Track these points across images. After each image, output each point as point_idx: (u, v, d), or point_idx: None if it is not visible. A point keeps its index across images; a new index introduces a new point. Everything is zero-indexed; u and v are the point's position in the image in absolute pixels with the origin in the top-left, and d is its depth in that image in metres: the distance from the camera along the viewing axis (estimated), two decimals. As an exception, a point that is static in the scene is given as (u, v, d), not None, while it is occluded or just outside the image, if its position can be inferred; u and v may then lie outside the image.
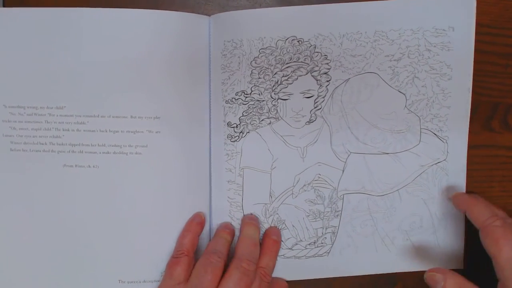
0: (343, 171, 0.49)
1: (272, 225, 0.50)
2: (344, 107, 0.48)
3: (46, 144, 0.48)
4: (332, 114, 0.48)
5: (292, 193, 0.50)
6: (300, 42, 0.47)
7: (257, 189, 0.50)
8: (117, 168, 0.48)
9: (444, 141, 0.49)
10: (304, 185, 0.50)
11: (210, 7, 0.51)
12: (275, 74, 0.48)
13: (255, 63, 0.48)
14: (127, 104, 0.47)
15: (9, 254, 0.49)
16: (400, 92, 0.48)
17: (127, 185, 0.48)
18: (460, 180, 0.50)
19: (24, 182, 0.48)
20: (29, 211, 0.48)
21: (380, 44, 0.47)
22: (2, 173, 0.48)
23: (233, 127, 0.49)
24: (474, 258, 0.52)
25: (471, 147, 0.51)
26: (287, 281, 0.51)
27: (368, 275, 0.52)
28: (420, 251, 0.51)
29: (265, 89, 0.48)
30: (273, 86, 0.48)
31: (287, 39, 0.47)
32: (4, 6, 0.49)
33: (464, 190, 0.50)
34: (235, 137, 0.49)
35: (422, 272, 0.44)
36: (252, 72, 0.48)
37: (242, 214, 0.50)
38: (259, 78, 0.48)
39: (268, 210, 0.50)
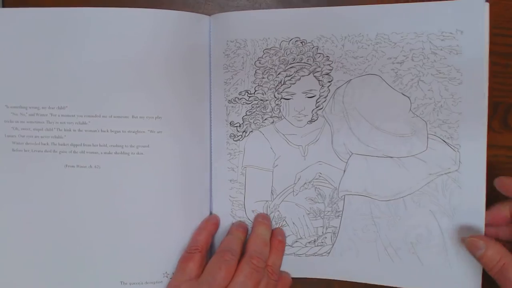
0: (344, 171, 0.49)
1: (273, 222, 0.51)
2: (345, 108, 0.48)
3: (47, 144, 0.48)
4: (333, 114, 0.49)
5: (293, 191, 0.50)
6: (303, 43, 0.47)
7: (259, 187, 0.50)
8: (118, 168, 0.48)
9: (456, 149, 0.47)
10: (305, 183, 0.50)
11: (210, 6, 0.51)
12: (278, 74, 0.48)
13: (259, 63, 0.48)
14: (128, 104, 0.47)
15: (10, 254, 0.49)
16: (404, 95, 0.47)
17: (129, 185, 0.48)
18: (477, 196, 0.46)
19: (26, 182, 0.48)
20: (30, 211, 0.48)
21: (382, 46, 0.47)
22: (4, 173, 0.48)
23: (236, 126, 0.49)
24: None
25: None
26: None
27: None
28: (427, 269, 0.48)
29: (268, 89, 0.48)
30: (277, 86, 0.48)
31: (290, 40, 0.47)
32: (3, 6, 0.49)
33: (483, 208, 0.46)
34: (238, 136, 0.49)
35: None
36: (256, 72, 0.48)
37: (244, 213, 0.50)
38: (263, 78, 0.48)
39: (269, 207, 0.51)
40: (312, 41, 0.47)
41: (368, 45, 0.47)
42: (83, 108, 0.47)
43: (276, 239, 0.49)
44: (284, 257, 0.51)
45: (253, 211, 0.51)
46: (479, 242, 0.43)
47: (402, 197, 0.48)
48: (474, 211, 0.46)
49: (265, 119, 0.49)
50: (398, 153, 0.48)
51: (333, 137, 0.49)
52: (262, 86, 0.48)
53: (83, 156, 0.47)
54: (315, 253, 0.51)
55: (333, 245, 0.50)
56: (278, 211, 0.50)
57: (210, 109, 0.50)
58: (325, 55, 0.47)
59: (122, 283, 0.49)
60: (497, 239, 0.44)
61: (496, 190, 0.46)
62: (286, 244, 0.51)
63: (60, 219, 0.48)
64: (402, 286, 0.49)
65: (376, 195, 0.49)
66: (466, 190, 0.47)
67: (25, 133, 0.48)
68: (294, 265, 0.51)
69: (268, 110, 0.49)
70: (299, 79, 0.48)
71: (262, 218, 0.49)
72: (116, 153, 0.47)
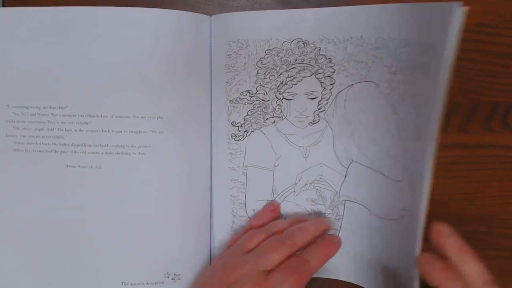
0: (345, 176, 0.49)
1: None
2: (347, 113, 0.48)
3: (49, 144, 0.47)
4: (335, 117, 0.48)
5: (294, 191, 0.50)
6: (305, 44, 0.47)
7: (260, 187, 0.50)
8: (120, 169, 0.48)
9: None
10: (306, 184, 0.50)
11: (210, 7, 0.51)
12: (280, 74, 0.48)
13: (261, 63, 0.48)
14: (129, 104, 0.47)
15: (11, 254, 0.49)
16: (395, 111, 0.44)
17: (130, 185, 0.48)
18: None
19: (27, 182, 0.48)
20: (31, 211, 0.48)
21: (381, 52, 0.45)
22: (5, 173, 0.48)
23: (238, 126, 0.49)
24: None
25: (471, 146, 0.51)
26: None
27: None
28: None
29: (270, 89, 0.48)
30: (278, 86, 0.48)
31: (292, 41, 0.47)
32: (3, 5, 0.49)
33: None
34: (239, 136, 0.49)
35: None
36: (258, 72, 0.48)
37: (245, 212, 0.51)
38: (265, 78, 0.48)
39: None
40: (314, 42, 0.47)
41: (369, 49, 0.45)
42: (84, 108, 0.47)
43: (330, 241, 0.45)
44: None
45: (254, 210, 0.51)
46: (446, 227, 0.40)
47: (394, 219, 0.46)
48: None
49: (266, 119, 0.49)
50: (395, 174, 0.45)
51: (335, 141, 0.49)
52: (263, 86, 0.48)
53: (84, 156, 0.47)
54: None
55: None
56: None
57: (212, 109, 0.50)
58: (327, 57, 0.47)
59: (123, 283, 0.49)
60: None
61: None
62: None
63: (61, 219, 0.48)
64: None
65: (373, 208, 0.48)
66: None
67: (26, 133, 0.47)
68: None
69: (269, 110, 0.49)
70: (301, 80, 0.48)
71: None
72: (117, 153, 0.47)
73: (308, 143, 0.49)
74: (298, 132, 0.49)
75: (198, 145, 0.49)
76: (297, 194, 0.50)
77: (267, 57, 0.47)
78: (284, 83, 0.48)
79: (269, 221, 0.48)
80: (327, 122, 0.49)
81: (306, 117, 0.49)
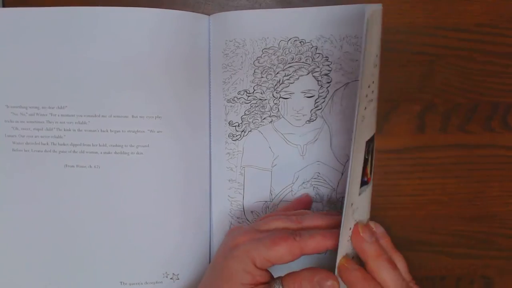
0: (342, 173, 0.49)
1: None
2: (344, 111, 0.48)
3: (47, 144, 0.48)
4: (332, 115, 0.48)
5: (291, 190, 0.50)
6: (302, 43, 0.47)
7: (258, 187, 0.50)
8: (118, 168, 0.48)
9: None
10: (303, 182, 0.50)
11: (210, 6, 0.51)
12: (277, 73, 0.48)
13: (258, 62, 0.48)
14: (128, 104, 0.47)
15: (9, 254, 0.49)
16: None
17: (128, 185, 0.48)
18: None
19: (26, 182, 0.48)
20: (30, 211, 0.48)
21: None
22: (4, 173, 0.48)
23: (235, 126, 0.49)
24: None
25: (471, 146, 0.51)
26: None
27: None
28: None
29: (267, 88, 0.48)
30: (275, 85, 0.48)
31: (289, 40, 0.47)
32: (4, 6, 0.49)
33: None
34: (236, 136, 0.49)
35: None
36: (255, 72, 0.48)
37: (243, 213, 0.50)
38: (262, 77, 0.48)
39: (268, 207, 0.51)
40: (311, 41, 0.47)
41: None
42: (83, 108, 0.47)
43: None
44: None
45: (252, 212, 0.50)
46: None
47: None
48: None
49: (263, 119, 0.49)
50: None
51: (332, 138, 0.49)
52: (261, 85, 0.48)
53: (83, 156, 0.48)
54: (313, 252, 0.51)
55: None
56: (273, 213, 0.50)
57: (209, 108, 0.50)
58: (324, 56, 0.47)
59: (122, 283, 0.49)
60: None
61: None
62: None
63: (60, 219, 0.48)
64: None
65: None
66: None
67: (25, 133, 0.48)
68: (292, 264, 0.51)
69: (266, 110, 0.49)
70: (298, 78, 0.48)
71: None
72: (115, 153, 0.47)
73: (305, 142, 0.49)
74: (295, 131, 0.49)
75: (196, 145, 0.49)
76: (295, 193, 0.50)
77: (264, 56, 0.48)
78: (281, 82, 0.48)
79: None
80: (324, 120, 0.49)
81: (303, 115, 0.49)
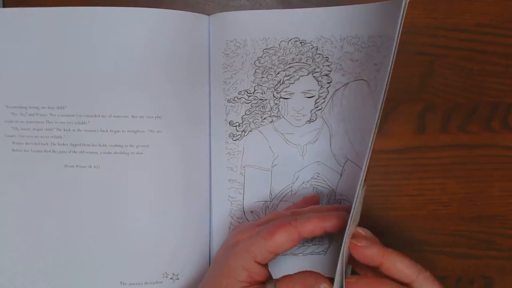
0: (340, 175, 0.49)
1: None
2: (343, 111, 0.48)
3: (47, 144, 0.48)
4: (332, 116, 0.48)
5: (291, 190, 0.50)
6: (302, 44, 0.47)
7: (258, 187, 0.50)
8: (118, 168, 0.47)
9: None
10: (303, 182, 0.50)
11: (210, 7, 0.51)
12: (277, 73, 0.48)
13: (259, 62, 0.48)
14: (128, 104, 0.47)
15: (9, 254, 0.49)
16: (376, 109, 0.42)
17: (128, 185, 0.48)
18: None
19: (26, 182, 0.48)
20: (30, 211, 0.48)
21: (371, 50, 0.46)
22: (4, 173, 0.48)
23: (236, 125, 0.49)
24: None
25: (471, 146, 0.51)
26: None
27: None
28: None
29: (267, 88, 0.48)
30: (276, 85, 0.48)
31: (290, 40, 0.47)
32: (4, 6, 0.49)
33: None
34: (237, 135, 0.49)
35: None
36: (255, 72, 0.48)
37: (243, 213, 0.50)
38: (262, 77, 0.48)
39: (268, 207, 0.51)
40: (311, 41, 0.47)
41: (363, 48, 0.47)
42: (82, 108, 0.47)
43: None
44: (282, 256, 0.50)
45: (252, 212, 0.50)
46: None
47: None
48: None
49: (264, 119, 0.49)
50: None
51: (331, 139, 0.49)
52: (261, 85, 0.48)
53: (83, 156, 0.47)
54: (312, 252, 0.51)
55: (330, 244, 0.50)
56: (277, 211, 0.50)
57: (210, 108, 0.50)
58: (324, 56, 0.47)
59: (122, 283, 0.49)
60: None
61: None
62: None
63: (59, 219, 0.48)
64: None
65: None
66: None
67: (25, 133, 0.47)
68: (291, 265, 0.51)
69: (267, 110, 0.49)
70: (298, 79, 0.48)
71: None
72: (115, 153, 0.47)
73: (305, 142, 0.49)
74: (295, 131, 0.49)
75: (196, 145, 0.49)
76: (294, 194, 0.50)
77: (265, 56, 0.48)
78: (281, 82, 0.48)
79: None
80: (324, 120, 0.49)
81: (303, 115, 0.49)
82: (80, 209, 0.48)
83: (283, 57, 0.48)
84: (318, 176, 0.50)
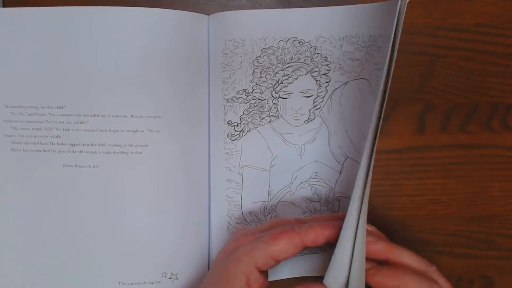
0: (340, 173, 0.49)
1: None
2: (342, 110, 0.48)
3: (46, 144, 0.48)
4: (331, 115, 0.48)
5: (290, 190, 0.50)
6: (301, 43, 0.47)
7: (256, 187, 0.50)
8: (117, 168, 0.48)
9: None
10: (301, 182, 0.50)
11: (210, 6, 0.51)
12: (276, 73, 0.48)
13: (257, 62, 0.48)
14: (127, 103, 0.47)
15: (8, 253, 0.49)
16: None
17: (127, 185, 0.48)
18: None
19: (25, 182, 0.48)
20: (29, 211, 0.48)
21: (372, 49, 0.46)
22: (3, 173, 0.48)
23: (234, 125, 0.49)
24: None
25: (471, 146, 0.51)
26: (282, 280, 0.51)
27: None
28: None
29: (266, 88, 0.48)
30: (274, 85, 0.48)
31: (288, 40, 0.47)
32: (4, 6, 0.49)
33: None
34: (235, 135, 0.49)
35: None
36: (254, 71, 0.48)
37: (241, 213, 0.50)
38: (261, 77, 0.48)
39: (266, 207, 0.50)
40: (310, 41, 0.47)
41: (363, 47, 0.47)
42: (81, 108, 0.47)
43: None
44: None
45: (250, 212, 0.50)
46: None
47: None
48: None
49: (262, 118, 0.49)
50: None
51: (330, 138, 0.49)
52: (260, 85, 0.48)
53: (82, 156, 0.48)
54: (310, 251, 0.51)
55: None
56: (275, 211, 0.50)
57: (208, 108, 0.50)
58: (323, 56, 0.47)
59: (121, 283, 0.49)
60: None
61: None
62: None
63: (58, 219, 0.48)
64: None
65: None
66: None
67: (25, 133, 0.48)
68: (289, 264, 0.51)
69: (265, 109, 0.49)
70: (296, 78, 0.48)
71: None
72: (114, 152, 0.47)
73: (303, 141, 0.49)
74: (293, 131, 0.49)
75: (195, 144, 0.49)
76: (293, 194, 0.50)
77: (263, 56, 0.48)
78: (280, 81, 0.48)
79: None
80: (322, 119, 0.48)
81: (302, 115, 0.49)
82: (79, 209, 0.48)
83: (281, 57, 0.48)
84: (316, 176, 0.49)
